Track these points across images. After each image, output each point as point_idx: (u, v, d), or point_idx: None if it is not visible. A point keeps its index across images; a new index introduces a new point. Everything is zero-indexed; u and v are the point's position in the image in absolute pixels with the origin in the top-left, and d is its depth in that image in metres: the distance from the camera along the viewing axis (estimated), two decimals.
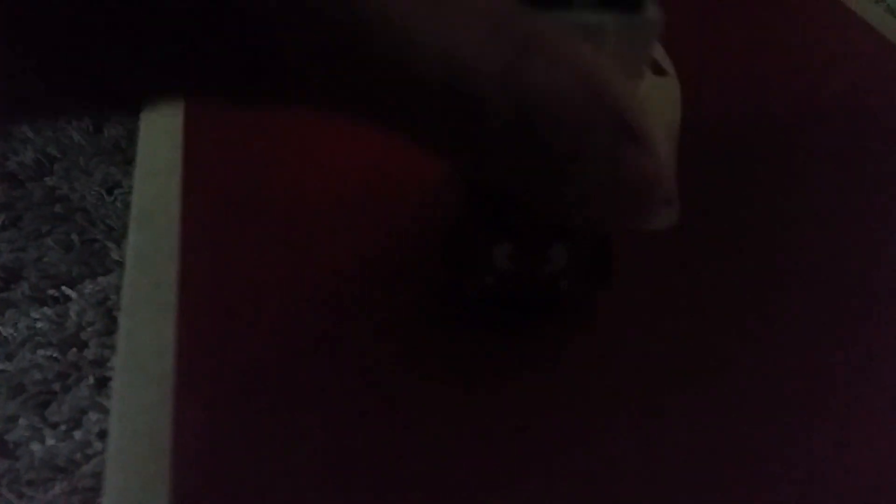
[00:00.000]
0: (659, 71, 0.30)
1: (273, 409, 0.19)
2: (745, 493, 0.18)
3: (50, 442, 0.34)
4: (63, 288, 0.40)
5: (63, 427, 0.34)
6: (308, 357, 0.20)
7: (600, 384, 0.20)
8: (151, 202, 0.24)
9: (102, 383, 0.36)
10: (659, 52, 0.31)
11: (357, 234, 0.23)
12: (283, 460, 0.18)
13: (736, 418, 0.20)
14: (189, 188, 0.24)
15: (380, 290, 0.22)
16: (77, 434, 0.34)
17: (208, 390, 0.19)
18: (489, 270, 0.19)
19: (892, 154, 0.27)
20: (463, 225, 0.19)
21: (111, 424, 0.19)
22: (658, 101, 0.29)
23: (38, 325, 0.38)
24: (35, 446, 0.34)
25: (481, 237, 0.19)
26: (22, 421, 0.34)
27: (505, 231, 0.19)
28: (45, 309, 0.39)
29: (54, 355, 0.37)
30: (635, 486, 0.18)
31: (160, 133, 0.27)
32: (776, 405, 0.20)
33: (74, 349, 0.37)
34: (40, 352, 0.37)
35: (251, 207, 0.24)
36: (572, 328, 0.21)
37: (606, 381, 0.20)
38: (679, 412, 0.19)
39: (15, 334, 0.38)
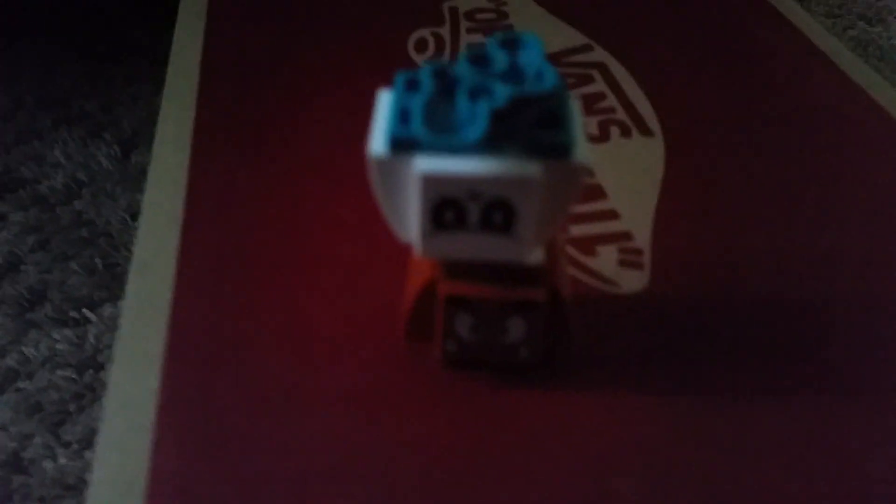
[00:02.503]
0: (646, 132, 0.31)
1: (245, 461, 0.20)
2: None
3: (62, 461, 0.35)
4: (84, 310, 0.42)
5: (75, 446, 0.36)
6: (279, 413, 0.21)
7: (563, 441, 0.21)
8: (151, 253, 0.26)
9: None
10: (648, 113, 0.32)
11: (337, 297, 0.25)
12: None
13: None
14: (188, 242, 0.26)
15: (353, 351, 0.23)
16: (87, 454, 0.36)
17: (185, 441, 0.21)
18: (452, 339, 0.21)
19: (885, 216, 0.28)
20: (427, 298, 0.21)
21: (94, 468, 0.21)
22: (644, 159, 0.30)
23: (59, 346, 0.40)
24: (48, 464, 0.35)
25: (444, 310, 0.20)
26: (37, 439, 0.36)
27: (465, 307, 0.20)
28: (66, 331, 0.41)
29: (72, 376, 0.39)
30: None
31: (166, 182, 0.28)
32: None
33: (91, 371, 0.39)
34: (59, 372, 0.39)
35: (244, 264, 0.25)
36: (533, 382, 0.22)
37: (569, 435, 0.21)
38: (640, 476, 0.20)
39: (36, 354, 0.40)
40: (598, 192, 0.29)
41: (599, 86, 0.34)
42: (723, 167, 0.30)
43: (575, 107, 0.18)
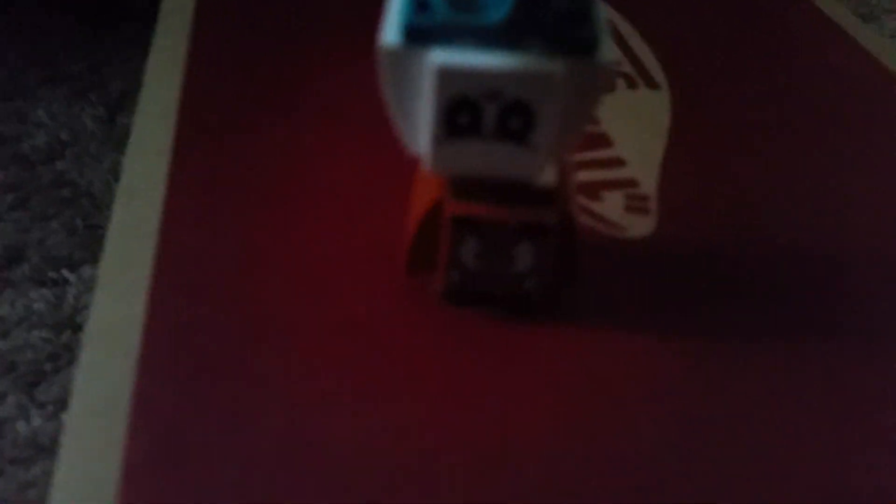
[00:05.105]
0: (653, 84, 0.30)
1: (234, 393, 0.19)
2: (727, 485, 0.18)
3: (36, 422, 0.34)
4: (63, 271, 0.41)
5: (50, 407, 0.35)
6: (272, 342, 0.20)
7: (568, 378, 0.20)
8: (139, 180, 0.24)
9: None
10: (654, 68, 0.31)
11: (333, 228, 0.23)
12: (238, 442, 0.18)
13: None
14: (177, 170, 0.25)
15: (351, 282, 0.22)
16: (63, 416, 0.34)
17: (170, 370, 0.19)
18: (456, 267, 0.20)
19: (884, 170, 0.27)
20: (432, 222, 0.19)
21: (73, 396, 0.19)
22: (650, 109, 0.30)
23: (35, 305, 0.39)
24: (21, 425, 0.34)
25: (450, 232, 0.19)
26: (11, 399, 0.35)
27: (472, 230, 0.19)
28: (44, 290, 0.39)
29: (48, 336, 0.37)
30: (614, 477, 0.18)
31: (155, 116, 0.27)
32: (755, 393, 0.20)
33: (69, 331, 0.38)
34: (35, 332, 0.38)
35: (234, 195, 0.24)
36: (538, 320, 0.21)
37: (575, 374, 0.20)
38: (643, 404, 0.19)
39: (12, 313, 0.38)
40: (603, 140, 0.28)
41: None
42: (728, 118, 0.29)
43: (600, 6, 0.17)
